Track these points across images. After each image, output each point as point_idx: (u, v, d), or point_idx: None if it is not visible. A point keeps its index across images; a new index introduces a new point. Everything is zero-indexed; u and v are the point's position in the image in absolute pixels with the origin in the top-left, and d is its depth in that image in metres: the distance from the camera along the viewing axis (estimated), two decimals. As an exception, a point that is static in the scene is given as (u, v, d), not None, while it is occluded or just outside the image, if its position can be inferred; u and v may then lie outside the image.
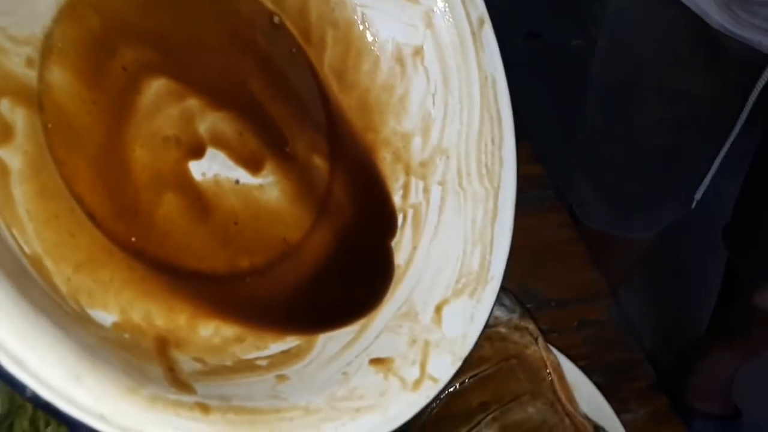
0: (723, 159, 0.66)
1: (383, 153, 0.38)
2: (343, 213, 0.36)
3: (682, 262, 1.24)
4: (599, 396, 0.40)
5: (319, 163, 0.36)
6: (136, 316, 0.25)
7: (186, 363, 0.25)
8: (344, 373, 0.28)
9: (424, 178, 0.38)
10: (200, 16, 0.31)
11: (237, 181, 0.32)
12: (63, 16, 0.26)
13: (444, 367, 0.29)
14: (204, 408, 0.21)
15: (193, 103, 0.30)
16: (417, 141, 0.39)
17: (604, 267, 0.80)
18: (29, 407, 0.35)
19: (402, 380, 0.28)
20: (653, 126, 0.66)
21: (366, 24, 0.38)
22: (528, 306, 0.45)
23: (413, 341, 0.30)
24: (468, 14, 0.37)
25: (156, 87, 0.28)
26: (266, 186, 0.33)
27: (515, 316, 0.40)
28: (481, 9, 0.37)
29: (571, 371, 0.41)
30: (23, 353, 0.18)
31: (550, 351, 0.40)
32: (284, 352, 0.29)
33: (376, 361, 0.29)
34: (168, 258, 0.28)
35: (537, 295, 0.48)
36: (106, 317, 0.24)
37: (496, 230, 0.35)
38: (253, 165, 0.32)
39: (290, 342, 0.30)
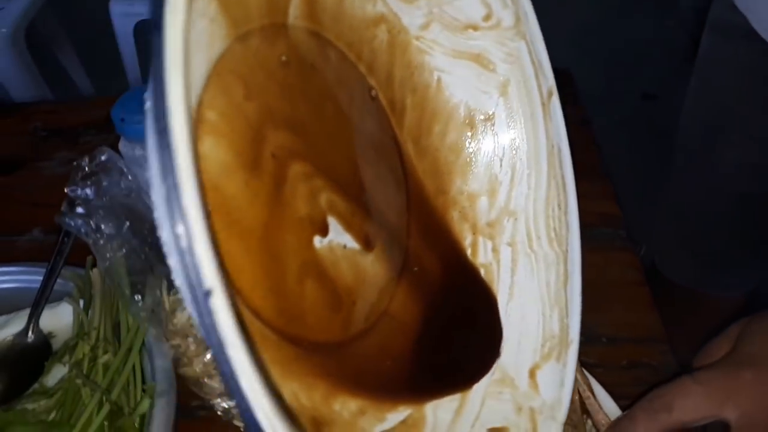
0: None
1: (452, 213, 0.40)
2: (426, 274, 0.37)
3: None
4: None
5: (401, 226, 0.37)
6: (287, 394, 0.25)
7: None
8: (469, 444, 0.29)
9: (492, 238, 0.40)
10: (325, 101, 0.32)
11: (345, 246, 0.32)
12: (210, 83, 0.26)
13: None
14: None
15: (318, 183, 0.30)
16: (483, 201, 0.40)
17: (688, 327, 0.74)
18: (93, 335, 0.40)
19: (523, 451, 0.29)
20: (739, 173, 0.63)
21: (441, 88, 0.39)
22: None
23: (519, 408, 0.31)
24: (540, 86, 0.39)
25: (295, 172, 0.28)
26: (363, 251, 0.34)
27: None
28: (551, 81, 0.39)
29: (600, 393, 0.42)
30: None
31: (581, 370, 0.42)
32: (402, 423, 0.30)
33: (494, 430, 0.30)
34: (300, 333, 0.28)
35: (588, 329, 0.46)
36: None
37: (569, 293, 0.37)
38: (362, 239, 0.33)
39: (403, 411, 0.30)
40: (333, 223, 0.31)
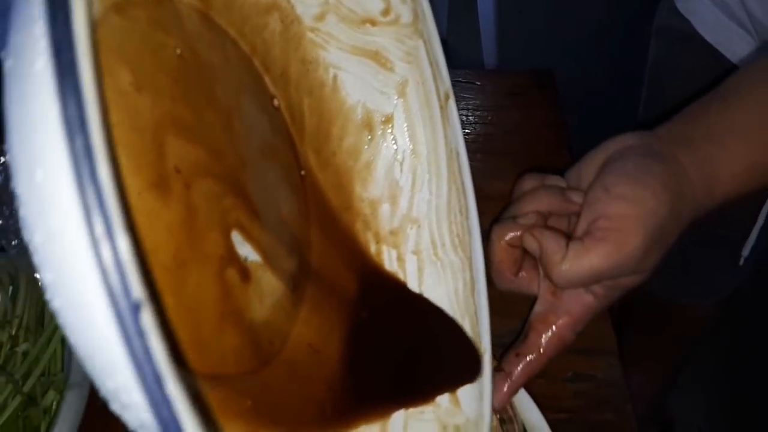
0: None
1: (357, 223, 0.37)
2: (338, 288, 0.33)
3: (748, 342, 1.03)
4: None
5: (301, 242, 0.33)
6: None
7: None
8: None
9: (396, 246, 0.37)
10: (229, 108, 0.27)
11: (246, 258, 0.28)
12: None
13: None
14: None
15: (228, 203, 0.26)
16: (385, 208, 0.38)
17: (658, 338, 0.73)
18: (15, 323, 0.38)
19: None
20: None
21: (337, 87, 0.36)
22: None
23: (444, 427, 0.29)
24: (438, 88, 0.37)
25: (203, 191, 0.24)
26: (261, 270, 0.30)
27: None
28: (448, 84, 0.38)
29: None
30: None
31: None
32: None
33: (423, 456, 0.27)
34: (216, 369, 0.23)
35: None
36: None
37: (477, 301, 0.36)
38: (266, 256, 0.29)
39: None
40: (242, 243, 0.27)
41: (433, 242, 0.37)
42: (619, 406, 0.44)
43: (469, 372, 0.33)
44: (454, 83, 0.39)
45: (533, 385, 0.43)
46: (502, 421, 0.37)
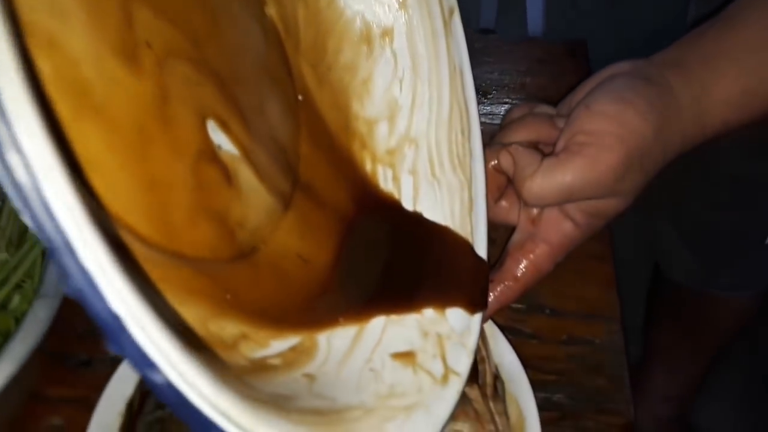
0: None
1: (354, 143, 0.35)
2: (328, 203, 0.32)
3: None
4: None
5: (289, 154, 0.32)
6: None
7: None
8: (372, 370, 0.24)
9: (392, 166, 0.36)
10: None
11: (220, 146, 0.27)
12: None
13: (462, 361, 0.27)
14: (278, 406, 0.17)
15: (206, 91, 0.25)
16: (383, 127, 0.36)
17: (696, 334, 0.68)
18: None
19: (431, 375, 0.25)
20: (730, 152, 0.58)
21: (334, -4, 0.35)
22: (520, 307, 0.44)
23: (425, 334, 0.28)
24: (441, 2, 0.36)
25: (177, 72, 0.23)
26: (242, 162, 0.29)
27: None
28: (453, -1, 0.36)
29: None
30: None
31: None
32: (291, 350, 0.25)
33: (398, 356, 0.26)
34: (177, 249, 0.22)
35: (532, 297, 0.44)
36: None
37: (474, 220, 0.34)
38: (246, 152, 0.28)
39: (291, 339, 0.25)
40: (218, 132, 0.26)
41: (431, 162, 0.36)
42: (615, 373, 0.41)
43: (465, 287, 0.31)
44: (487, 47, 0.37)
45: (524, 345, 0.42)
46: (474, 360, 0.36)
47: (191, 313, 0.22)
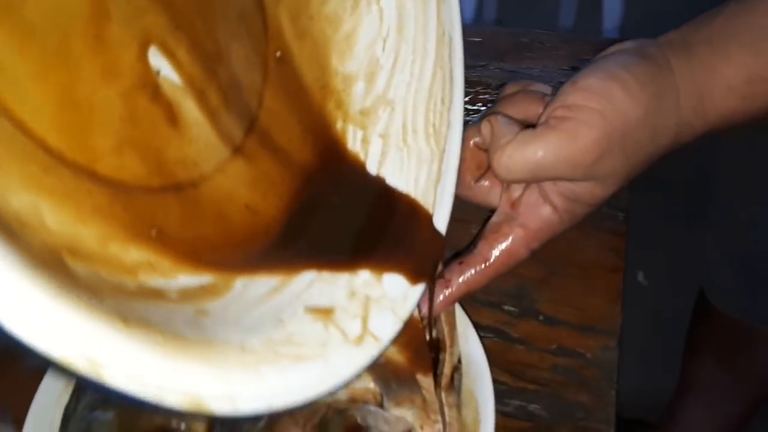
0: None
1: (329, 102, 0.34)
2: (284, 154, 0.31)
3: None
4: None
5: (249, 97, 0.31)
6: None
7: (82, 272, 0.19)
8: (279, 320, 0.23)
9: (364, 127, 0.34)
10: None
11: (159, 71, 0.26)
12: None
13: (386, 327, 0.26)
14: (123, 319, 0.15)
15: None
16: (360, 86, 0.35)
17: (740, 366, 0.64)
18: None
19: (343, 333, 0.24)
20: None
21: (322, -55, 0.34)
22: (512, 310, 0.42)
23: (352, 294, 0.26)
24: (435, -39, 0.34)
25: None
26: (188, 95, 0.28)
27: None
28: (449, -41, 0.34)
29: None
30: None
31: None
32: (200, 287, 0.24)
33: (313, 310, 0.24)
34: (93, 165, 0.22)
35: (527, 301, 0.42)
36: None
37: (438, 193, 0.32)
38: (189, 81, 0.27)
39: (203, 278, 0.24)
40: (159, 58, 0.25)
41: (404, 127, 0.34)
42: (601, 391, 0.38)
43: (413, 256, 0.29)
44: (533, 43, 0.35)
45: (508, 350, 0.40)
46: (437, 349, 0.34)
47: (89, 232, 0.21)
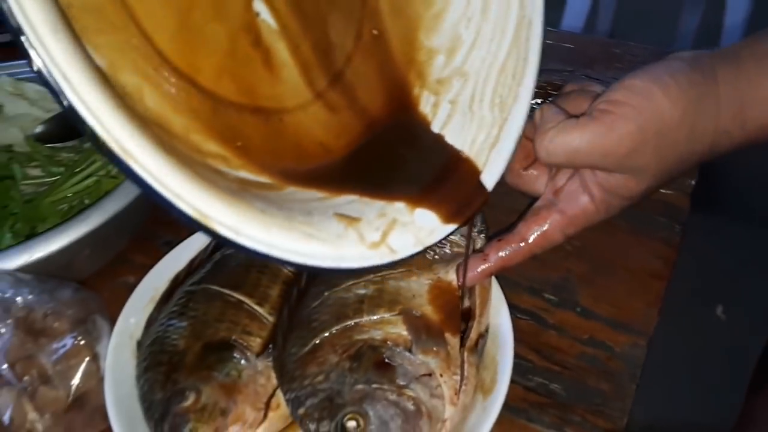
0: None
1: (411, 71, 0.38)
2: (363, 102, 0.36)
3: None
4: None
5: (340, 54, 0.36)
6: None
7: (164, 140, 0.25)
8: (308, 212, 0.27)
9: (437, 94, 0.38)
10: None
11: (258, 14, 0.32)
12: None
13: (405, 244, 0.29)
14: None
15: None
16: (440, 59, 0.39)
17: None
18: None
19: (361, 236, 0.28)
20: None
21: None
22: (551, 298, 0.44)
23: (382, 214, 0.30)
24: (526, -47, 0.37)
25: None
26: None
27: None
28: (539, -49, 0.37)
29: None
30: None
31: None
32: (257, 182, 0.29)
33: (341, 216, 0.28)
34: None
35: (567, 293, 0.44)
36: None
37: (492, 155, 0.35)
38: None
39: (262, 178, 0.30)
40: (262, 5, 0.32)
41: (473, 96, 0.37)
42: (622, 383, 0.39)
43: (452, 200, 0.33)
44: (624, 55, 0.36)
45: (541, 333, 0.42)
46: (468, 317, 0.36)
47: (178, 120, 0.27)
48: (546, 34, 0.37)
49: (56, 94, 0.20)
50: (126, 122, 0.22)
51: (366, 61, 0.38)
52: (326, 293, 0.37)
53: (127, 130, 0.22)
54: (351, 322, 0.35)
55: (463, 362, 0.35)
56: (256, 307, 0.38)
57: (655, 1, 1.17)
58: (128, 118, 0.22)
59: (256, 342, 0.37)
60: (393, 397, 0.31)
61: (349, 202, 0.30)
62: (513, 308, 0.39)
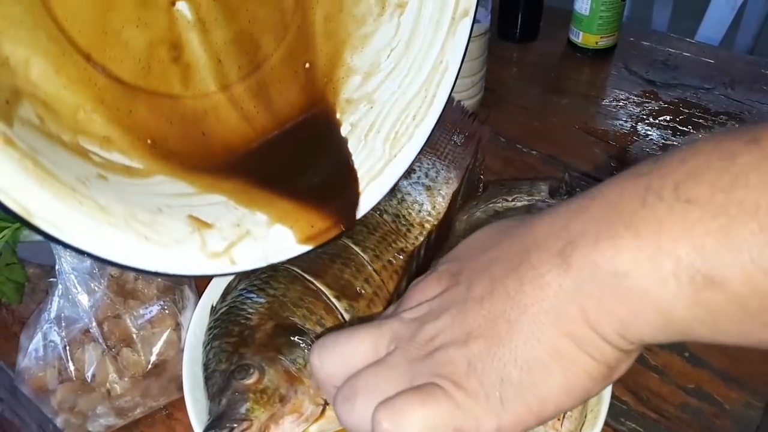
0: None
1: (328, 84, 0.40)
2: (278, 100, 0.38)
3: None
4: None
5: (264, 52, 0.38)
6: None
7: (27, 112, 0.26)
8: (159, 209, 0.29)
9: (342, 113, 0.40)
10: None
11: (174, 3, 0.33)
12: None
13: (249, 258, 0.31)
14: (8, 140, 0.23)
15: None
16: (356, 80, 0.40)
17: None
18: None
19: (204, 243, 0.30)
20: None
21: (371, -45, 0.39)
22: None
23: (237, 224, 0.32)
24: (458, 1, 0.38)
25: None
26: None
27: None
28: (471, 4, 0.39)
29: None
30: None
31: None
32: (124, 166, 0.31)
33: (194, 219, 0.30)
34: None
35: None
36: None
37: (368, 188, 0.37)
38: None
39: (134, 162, 0.31)
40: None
41: (372, 125, 0.39)
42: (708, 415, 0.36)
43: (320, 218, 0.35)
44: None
45: (640, 373, 0.38)
46: None
47: (68, 98, 0.29)
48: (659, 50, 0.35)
49: None
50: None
51: (286, 63, 0.39)
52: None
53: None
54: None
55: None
56: (334, 300, 0.36)
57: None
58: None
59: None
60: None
61: (213, 203, 0.32)
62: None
